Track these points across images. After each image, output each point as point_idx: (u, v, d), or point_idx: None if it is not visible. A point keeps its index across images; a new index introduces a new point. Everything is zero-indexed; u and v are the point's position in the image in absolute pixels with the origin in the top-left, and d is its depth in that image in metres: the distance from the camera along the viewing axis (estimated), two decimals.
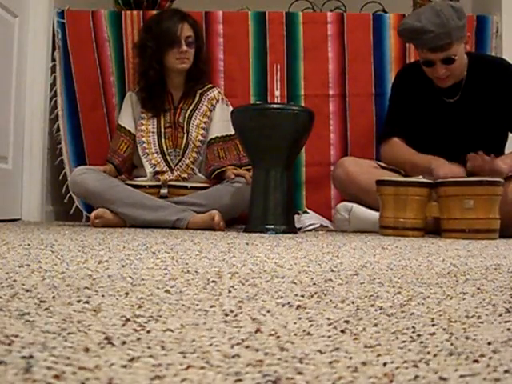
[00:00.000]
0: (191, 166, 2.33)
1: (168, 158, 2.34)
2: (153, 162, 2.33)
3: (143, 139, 2.35)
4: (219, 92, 2.44)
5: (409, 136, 2.22)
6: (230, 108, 2.34)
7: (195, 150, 2.33)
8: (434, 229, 1.96)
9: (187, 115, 2.36)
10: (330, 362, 0.37)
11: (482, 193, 1.84)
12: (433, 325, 0.49)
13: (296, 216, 2.23)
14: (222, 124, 2.33)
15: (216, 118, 2.38)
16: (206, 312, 0.52)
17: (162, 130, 2.35)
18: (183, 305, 0.55)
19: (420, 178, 1.98)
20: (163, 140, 2.35)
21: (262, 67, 2.61)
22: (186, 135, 2.34)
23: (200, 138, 2.34)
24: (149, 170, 2.32)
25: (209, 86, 2.43)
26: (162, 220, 2.09)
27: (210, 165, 2.35)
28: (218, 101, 2.40)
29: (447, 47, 1.99)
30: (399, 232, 1.91)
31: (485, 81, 2.13)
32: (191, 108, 2.37)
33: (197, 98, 2.39)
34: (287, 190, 1.99)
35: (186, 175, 2.33)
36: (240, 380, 0.33)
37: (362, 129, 2.60)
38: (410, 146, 2.27)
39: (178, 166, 2.33)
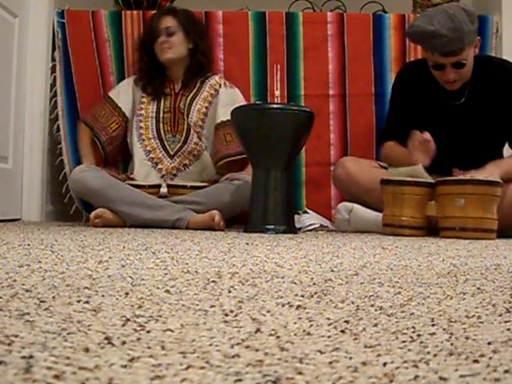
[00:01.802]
0: (194, 151, 2.35)
1: (166, 143, 2.35)
2: (148, 148, 2.35)
3: (141, 124, 2.38)
4: (220, 77, 2.47)
5: (408, 138, 2.21)
6: (236, 90, 2.41)
7: (196, 135, 2.35)
8: (436, 228, 1.96)
9: (188, 101, 2.38)
10: (330, 362, 0.37)
11: (473, 192, 1.85)
12: (433, 325, 0.49)
13: (296, 216, 2.23)
14: (227, 108, 2.29)
15: (221, 102, 2.39)
16: (205, 312, 0.52)
17: (161, 115, 2.38)
18: (183, 305, 0.55)
19: (418, 178, 1.98)
20: (161, 125, 2.37)
21: (262, 67, 2.61)
22: (186, 121, 2.35)
23: (200, 123, 2.37)
24: (142, 156, 2.34)
25: (208, 74, 2.45)
26: (161, 219, 2.09)
27: (217, 150, 2.35)
28: (220, 85, 2.42)
29: (459, 52, 1.95)
30: (396, 230, 1.92)
31: (491, 84, 2.10)
32: (192, 94, 2.40)
33: (197, 85, 2.42)
34: (287, 190, 1.99)
35: (187, 161, 2.34)
36: (240, 380, 0.33)
37: (361, 129, 2.59)
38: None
39: (179, 153, 2.35)
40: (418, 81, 2.19)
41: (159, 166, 2.35)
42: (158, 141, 2.36)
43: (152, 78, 2.39)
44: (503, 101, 2.10)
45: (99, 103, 2.50)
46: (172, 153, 2.35)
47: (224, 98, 2.39)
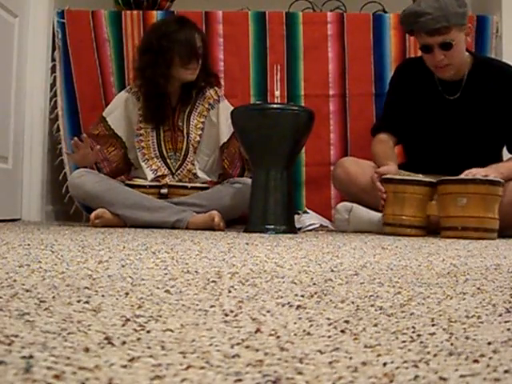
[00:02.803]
0: (193, 170, 2.32)
1: (168, 161, 2.32)
2: (153, 167, 2.31)
3: (142, 144, 2.32)
4: (215, 92, 2.34)
5: (402, 131, 2.22)
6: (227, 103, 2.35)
7: (194, 151, 2.32)
8: (437, 228, 1.96)
9: (185, 117, 2.32)
10: (330, 362, 0.37)
11: (475, 191, 1.85)
12: (433, 325, 0.49)
13: (296, 216, 2.23)
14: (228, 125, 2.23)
15: (222, 118, 2.28)
16: (205, 312, 0.52)
17: (162, 134, 2.32)
18: (183, 305, 0.55)
19: (419, 177, 1.98)
20: (162, 143, 2.33)
21: (262, 67, 2.61)
22: (186, 138, 2.32)
23: (198, 138, 2.32)
24: (150, 176, 2.30)
25: (202, 84, 2.33)
26: (161, 221, 2.09)
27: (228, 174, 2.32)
28: (217, 100, 2.33)
29: (445, 31, 1.98)
30: (397, 229, 1.92)
31: (488, 84, 2.11)
32: (188, 109, 2.33)
33: (193, 96, 2.32)
34: (287, 190, 1.99)
35: (187, 180, 2.31)
36: (240, 380, 0.33)
37: (362, 129, 2.59)
38: (405, 142, 2.28)
39: (179, 171, 2.32)
40: (415, 75, 2.20)
41: (159, 179, 2.31)
42: (160, 159, 2.32)
43: (155, 108, 2.30)
44: (500, 103, 2.11)
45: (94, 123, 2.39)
46: (174, 170, 2.32)
47: (225, 114, 2.23)
